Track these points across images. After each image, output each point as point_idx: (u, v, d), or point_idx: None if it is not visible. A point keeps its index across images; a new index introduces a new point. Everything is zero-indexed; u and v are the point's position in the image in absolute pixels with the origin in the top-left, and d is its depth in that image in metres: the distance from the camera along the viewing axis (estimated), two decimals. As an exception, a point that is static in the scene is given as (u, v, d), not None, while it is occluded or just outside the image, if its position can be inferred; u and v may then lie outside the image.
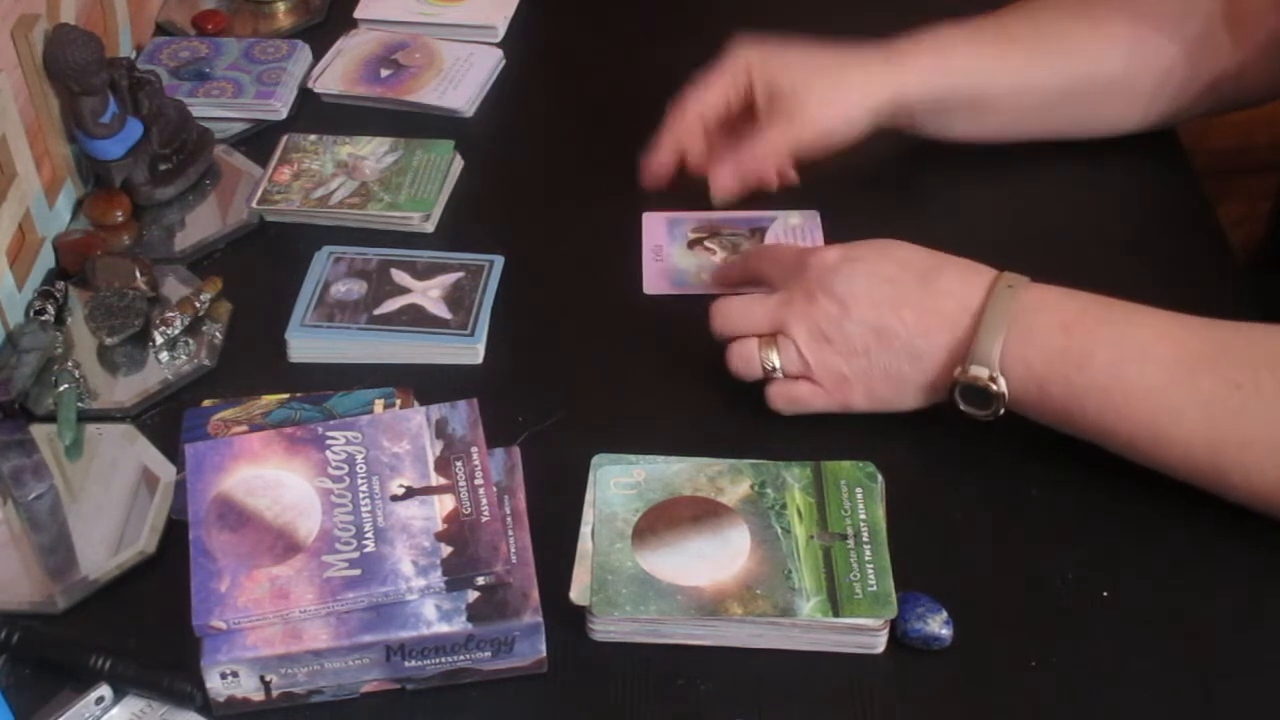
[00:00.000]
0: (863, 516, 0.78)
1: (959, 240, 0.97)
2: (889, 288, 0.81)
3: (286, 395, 0.86)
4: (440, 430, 0.77)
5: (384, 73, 1.16)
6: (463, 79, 1.15)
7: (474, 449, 0.77)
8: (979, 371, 0.79)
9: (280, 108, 1.12)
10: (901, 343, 0.81)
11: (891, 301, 0.80)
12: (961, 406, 0.81)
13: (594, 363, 0.92)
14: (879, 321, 0.80)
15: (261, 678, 0.71)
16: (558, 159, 1.10)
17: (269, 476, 0.75)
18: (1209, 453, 0.76)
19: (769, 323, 0.83)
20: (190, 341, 0.93)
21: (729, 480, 0.80)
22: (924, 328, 0.80)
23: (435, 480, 0.75)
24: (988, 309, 0.79)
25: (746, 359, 0.84)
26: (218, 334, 0.94)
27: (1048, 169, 1.05)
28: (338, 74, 1.16)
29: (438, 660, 0.72)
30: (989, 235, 0.93)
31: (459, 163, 1.07)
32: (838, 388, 0.83)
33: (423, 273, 0.96)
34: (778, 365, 0.83)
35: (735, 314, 0.85)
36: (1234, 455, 0.76)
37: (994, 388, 0.79)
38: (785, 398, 0.85)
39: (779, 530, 0.78)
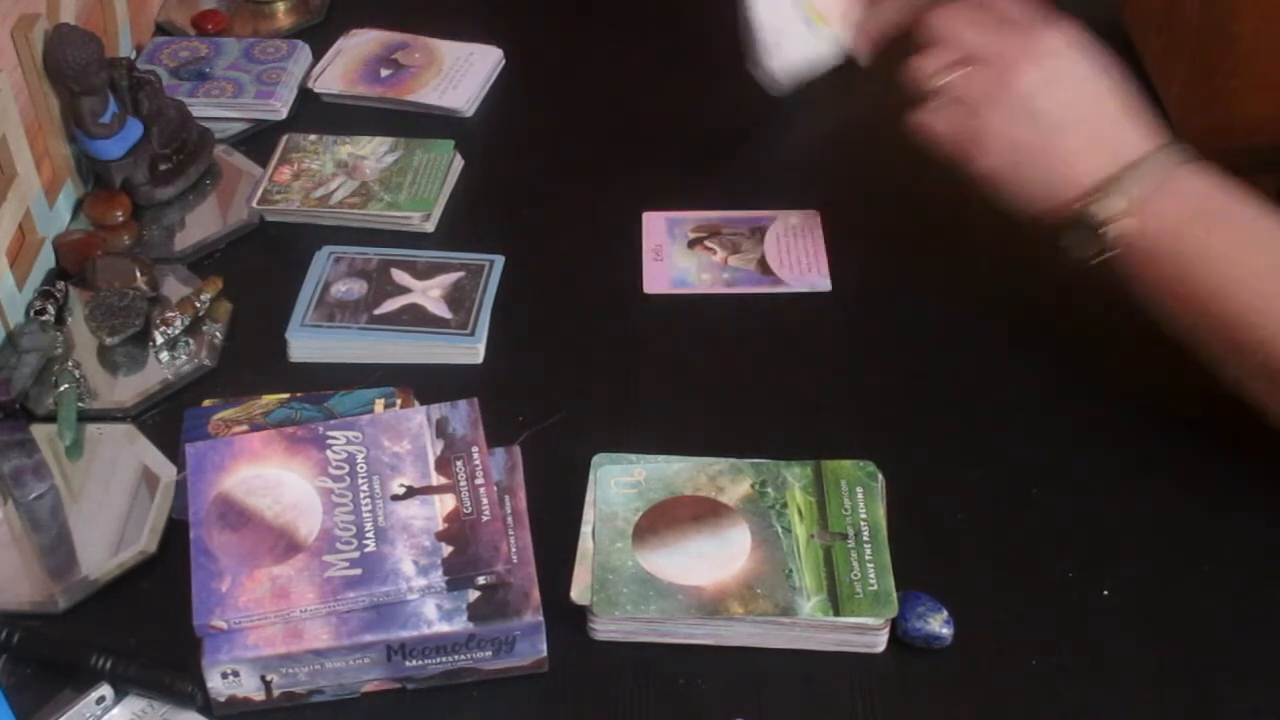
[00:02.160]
0: (863, 516, 0.78)
1: (959, 238, 0.97)
2: (1094, 91, 0.82)
3: (287, 395, 0.86)
4: (441, 430, 0.77)
5: (384, 72, 1.16)
6: (463, 79, 1.15)
7: (474, 448, 0.77)
8: (1115, 204, 0.79)
9: (280, 108, 1.12)
10: (1066, 148, 0.82)
11: (1094, 101, 0.82)
12: (1064, 242, 0.82)
13: (594, 363, 0.92)
14: (1063, 116, 0.81)
15: (262, 677, 0.71)
16: (558, 159, 1.10)
17: (269, 476, 0.75)
18: None
19: (974, 48, 0.83)
20: (190, 341, 0.93)
21: (729, 479, 0.80)
22: (1094, 146, 0.81)
23: (436, 480, 0.75)
24: (1155, 154, 0.80)
25: (925, 70, 0.85)
26: (218, 334, 0.94)
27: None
28: (338, 74, 1.16)
29: (438, 660, 0.72)
30: (989, 235, 0.94)
31: (459, 163, 1.07)
32: (978, 144, 0.83)
33: (423, 272, 0.96)
34: (943, 90, 0.84)
35: (952, 20, 0.85)
36: None
37: (1110, 227, 0.80)
38: (923, 122, 0.86)
39: (779, 529, 0.78)
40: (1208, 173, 0.81)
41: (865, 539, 0.77)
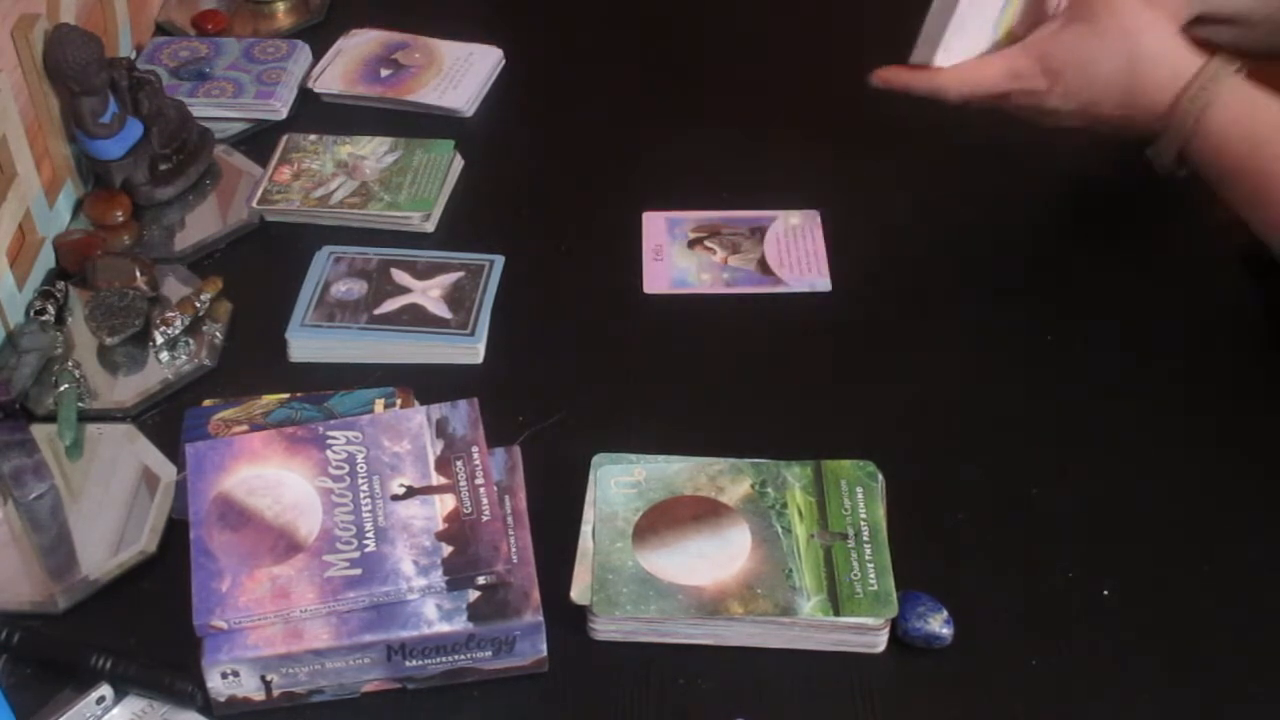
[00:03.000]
0: (863, 516, 0.78)
1: (959, 238, 0.97)
2: (1106, 79, 0.91)
3: (287, 395, 0.86)
4: (441, 430, 0.77)
5: (384, 72, 1.16)
6: (463, 79, 1.15)
7: (474, 448, 0.77)
8: (1163, 154, 0.91)
9: (280, 108, 1.12)
10: (1110, 120, 0.93)
11: (1109, 88, 0.91)
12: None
13: (594, 363, 0.92)
14: (1094, 102, 0.92)
15: (262, 677, 0.71)
16: (558, 159, 1.10)
17: (269, 476, 0.75)
18: None
19: (997, 91, 0.94)
20: (190, 341, 0.93)
21: (729, 479, 0.80)
22: (1131, 111, 0.92)
23: (436, 480, 0.75)
24: (1171, 124, 0.89)
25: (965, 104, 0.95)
26: (218, 334, 0.94)
27: (1048, 168, 1.05)
28: (338, 74, 1.16)
29: (439, 660, 0.72)
30: (989, 232, 0.94)
31: (459, 163, 1.07)
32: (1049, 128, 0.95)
33: (423, 272, 0.96)
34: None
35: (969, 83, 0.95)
36: None
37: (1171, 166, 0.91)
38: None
39: (779, 529, 0.78)
40: (1217, 117, 0.87)
41: (865, 539, 0.77)
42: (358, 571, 0.71)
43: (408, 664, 0.72)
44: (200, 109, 1.10)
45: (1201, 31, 0.98)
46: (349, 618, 0.71)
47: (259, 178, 1.05)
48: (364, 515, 0.74)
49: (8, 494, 0.83)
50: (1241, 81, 0.88)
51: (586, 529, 0.78)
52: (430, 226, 1.02)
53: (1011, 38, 0.96)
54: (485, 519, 0.73)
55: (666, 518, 0.78)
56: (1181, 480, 0.83)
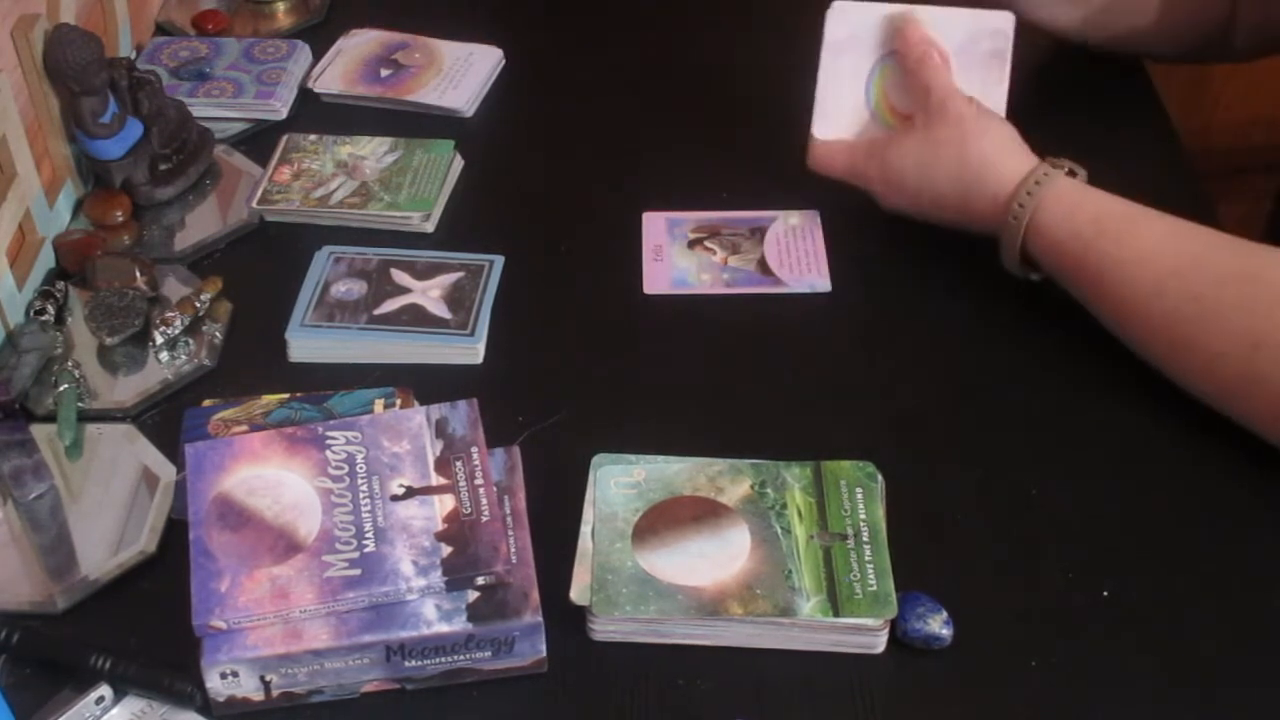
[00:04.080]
0: (863, 516, 0.78)
1: (959, 239, 0.97)
2: (941, 176, 0.93)
3: (286, 395, 0.86)
4: (440, 430, 0.77)
5: (384, 72, 1.16)
6: (463, 79, 1.15)
7: (474, 449, 0.77)
8: (1006, 260, 0.92)
9: (280, 108, 1.12)
10: (947, 214, 0.94)
11: (946, 181, 0.93)
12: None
13: (594, 363, 0.92)
14: (933, 193, 0.94)
15: (262, 677, 0.71)
16: (558, 159, 1.10)
17: (269, 476, 0.75)
18: (1171, 355, 0.84)
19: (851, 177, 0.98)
20: (190, 341, 0.93)
21: (729, 480, 0.80)
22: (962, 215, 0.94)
23: (435, 480, 0.75)
24: (1003, 223, 0.90)
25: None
26: (218, 334, 0.94)
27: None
28: (338, 74, 1.16)
29: (438, 660, 0.72)
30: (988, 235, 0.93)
31: (459, 163, 1.07)
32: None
33: (423, 272, 0.96)
34: None
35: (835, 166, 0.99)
36: (1193, 359, 0.83)
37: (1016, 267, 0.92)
38: None
39: (779, 530, 0.78)
40: (1049, 212, 0.88)
41: (865, 540, 0.77)
42: (357, 572, 0.71)
43: (407, 664, 0.72)
44: (200, 109, 1.10)
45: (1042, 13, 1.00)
46: (348, 618, 0.71)
47: (259, 178, 1.05)
48: (363, 515, 0.74)
49: (8, 494, 0.83)
50: (1069, 181, 0.88)
51: (586, 529, 0.78)
52: (430, 226, 1.02)
53: (892, 111, 0.98)
54: (485, 519, 0.73)
55: (666, 518, 0.78)
56: (1182, 480, 0.83)
